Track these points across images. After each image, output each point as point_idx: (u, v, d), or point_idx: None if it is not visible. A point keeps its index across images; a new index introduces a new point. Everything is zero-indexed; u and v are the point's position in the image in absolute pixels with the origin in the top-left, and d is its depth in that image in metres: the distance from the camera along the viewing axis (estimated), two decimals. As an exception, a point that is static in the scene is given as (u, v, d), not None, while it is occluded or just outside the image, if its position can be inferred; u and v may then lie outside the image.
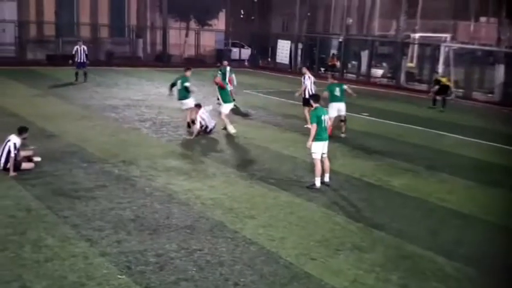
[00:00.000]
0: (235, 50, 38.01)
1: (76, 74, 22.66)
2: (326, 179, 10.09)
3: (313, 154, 9.90)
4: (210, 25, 36.71)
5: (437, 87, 20.75)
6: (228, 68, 18.46)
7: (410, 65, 30.58)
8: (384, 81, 29.64)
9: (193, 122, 13.81)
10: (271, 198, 9.31)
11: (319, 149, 9.85)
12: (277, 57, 34.98)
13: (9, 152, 9.77)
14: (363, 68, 30.70)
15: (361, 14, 33.87)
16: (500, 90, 24.25)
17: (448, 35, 30.42)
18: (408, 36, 30.96)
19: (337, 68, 32.77)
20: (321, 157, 9.94)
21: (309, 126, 17.47)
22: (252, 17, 40.42)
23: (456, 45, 26.62)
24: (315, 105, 10.11)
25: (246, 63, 36.68)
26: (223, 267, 6.60)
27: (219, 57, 33.60)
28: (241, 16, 43.97)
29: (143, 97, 19.76)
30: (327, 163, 10.07)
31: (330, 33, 36.15)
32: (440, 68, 24.32)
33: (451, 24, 29.93)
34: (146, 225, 7.77)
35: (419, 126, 16.85)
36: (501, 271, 6.94)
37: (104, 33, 33.61)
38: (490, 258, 7.28)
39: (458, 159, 12.90)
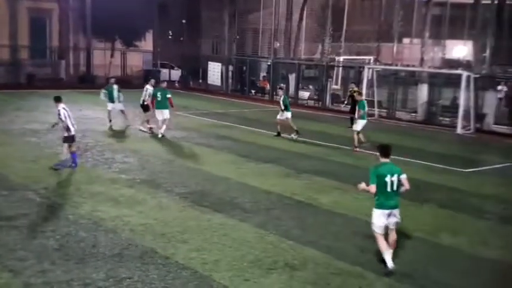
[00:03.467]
0: (164, 71, 37.66)
1: None
2: (388, 262, 7.36)
3: (372, 226, 7.52)
4: (137, 46, 36.31)
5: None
6: (150, 88, 18.03)
7: (335, 87, 31.57)
8: (311, 103, 30.38)
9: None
10: (205, 221, 9.18)
11: (380, 220, 7.40)
12: (208, 78, 35.08)
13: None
14: (291, 90, 31.36)
15: (288, 38, 34.63)
16: (424, 109, 25.29)
17: (371, 57, 31.68)
18: (333, 59, 32.00)
19: (267, 90, 33.28)
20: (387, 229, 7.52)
21: (142, 128, 18.09)
22: (181, 38, 40.28)
23: (379, 67, 27.67)
24: (382, 159, 7.63)
25: (177, 85, 36.39)
26: (155, 295, 6.40)
27: (146, 78, 33.16)
28: (170, 37, 43.70)
29: (68, 120, 19.03)
30: (392, 237, 7.55)
31: (259, 56, 36.69)
32: (364, 89, 25.16)
33: (374, 47, 31.21)
34: (72, 254, 7.43)
35: (346, 146, 17.33)
36: (433, 282, 7.16)
37: (24, 55, 32.31)
38: (422, 273, 7.47)
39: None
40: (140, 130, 17.89)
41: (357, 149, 16.32)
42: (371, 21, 33.87)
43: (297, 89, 31.10)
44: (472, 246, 8.63)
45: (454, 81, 23.96)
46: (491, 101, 23.55)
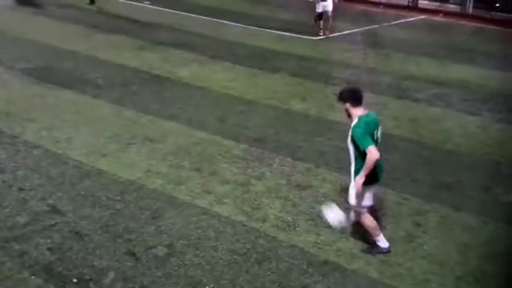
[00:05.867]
0: None
1: None
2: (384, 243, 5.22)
3: (355, 204, 5.04)
4: None
5: None
6: None
7: None
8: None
9: None
10: (53, 98, 8.64)
11: (369, 196, 5.03)
12: None
13: None
14: None
15: None
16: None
17: None
18: None
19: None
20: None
21: None
22: None
23: None
24: (356, 110, 4.95)
25: None
26: (5, 174, 6.09)
27: None
28: None
29: None
30: None
31: None
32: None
33: None
34: None
35: (201, 15, 16.84)
36: (284, 146, 7.67)
37: None
38: (274, 137, 7.89)
39: (241, 49, 13.30)
40: None
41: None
42: None
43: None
44: (320, 110, 9.22)
45: None
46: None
